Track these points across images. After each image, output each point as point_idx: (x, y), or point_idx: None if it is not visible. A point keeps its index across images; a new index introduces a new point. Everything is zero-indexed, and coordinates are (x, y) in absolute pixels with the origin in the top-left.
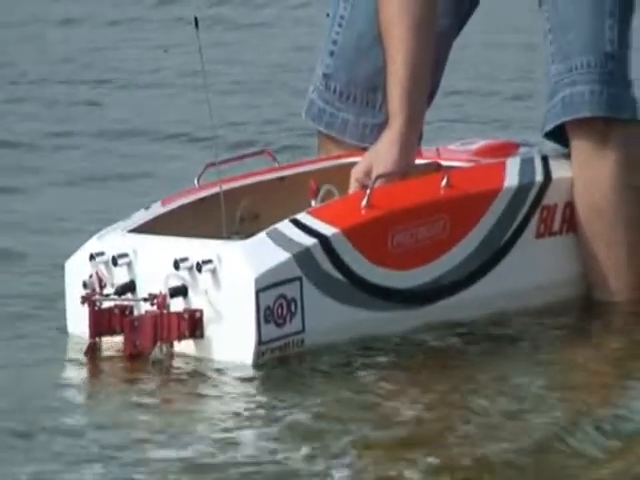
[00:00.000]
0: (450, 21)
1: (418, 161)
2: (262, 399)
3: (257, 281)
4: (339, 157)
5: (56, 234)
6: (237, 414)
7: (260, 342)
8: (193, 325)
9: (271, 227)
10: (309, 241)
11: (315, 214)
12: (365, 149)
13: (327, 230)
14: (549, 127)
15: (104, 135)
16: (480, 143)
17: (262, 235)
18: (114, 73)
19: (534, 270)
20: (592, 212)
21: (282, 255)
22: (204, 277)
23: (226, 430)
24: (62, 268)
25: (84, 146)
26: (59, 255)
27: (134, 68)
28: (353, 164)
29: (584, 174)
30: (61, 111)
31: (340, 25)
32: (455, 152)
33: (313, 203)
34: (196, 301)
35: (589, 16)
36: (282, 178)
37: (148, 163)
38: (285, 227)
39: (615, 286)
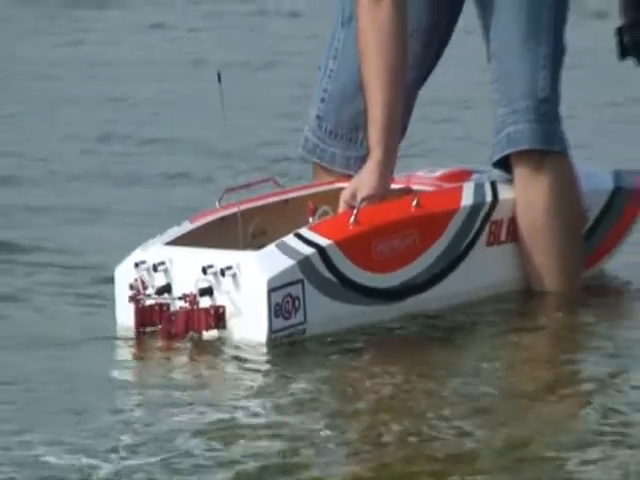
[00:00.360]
0: (416, 74)
1: (393, 186)
2: (272, 374)
3: (269, 283)
4: (330, 183)
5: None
6: (251, 386)
7: (271, 331)
8: (217, 318)
9: (279, 240)
10: (309, 251)
11: (314, 229)
12: (350, 176)
13: (323, 242)
14: (496, 157)
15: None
16: (441, 171)
17: (272, 246)
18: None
19: (486, 271)
20: (531, 227)
21: (288, 262)
22: (227, 280)
23: (245, 397)
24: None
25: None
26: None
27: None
28: (342, 189)
29: (524, 196)
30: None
31: (330, 77)
32: (422, 178)
33: (311, 220)
34: (220, 299)
35: (527, 70)
36: (286, 201)
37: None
38: (290, 240)
39: (549, 283)
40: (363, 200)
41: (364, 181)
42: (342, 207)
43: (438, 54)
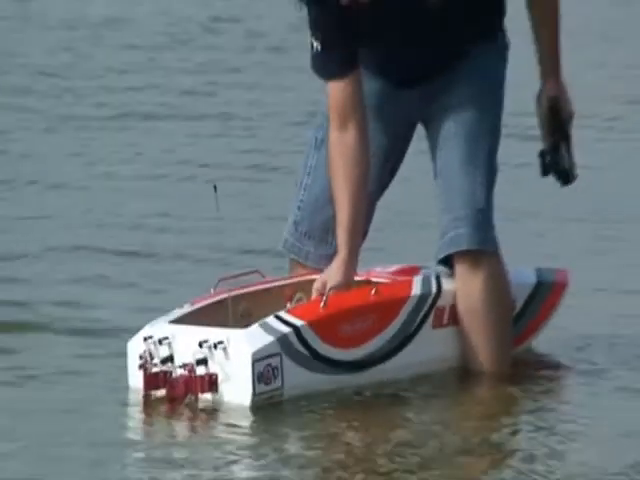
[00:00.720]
0: (375, 187)
1: (357, 278)
2: (256, 432)
3: (253, 355)
4: (305, 275)
5: None
6: (238, 441)
7: (254, 395)
8: (211, 384)
9: (262, 320)
10: (286, 330)
11: (290, 312)
12: (321, 270)
13: (298, 322)
14: (441, 256)
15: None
16: (396, 267)
17: (256, 326)
18: None
19: (432, 348)
20: (468, 314)
21: (269, 338)
22: (219, 352)
23: (230, 453)
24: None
25: None
26: None
27: None
28: (314, 280)
29: (463, 288)
30: None
31: (305, 190)
32: (379, 272)
33: (288, 305)
34: (213, 368)
35: (466, 186)
36: (268, 289)
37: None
38: (271, 320)
39: (484, 361)
40: (331, 289)
41: (332, 274)
42: (314, 294)
43: (393, 172)
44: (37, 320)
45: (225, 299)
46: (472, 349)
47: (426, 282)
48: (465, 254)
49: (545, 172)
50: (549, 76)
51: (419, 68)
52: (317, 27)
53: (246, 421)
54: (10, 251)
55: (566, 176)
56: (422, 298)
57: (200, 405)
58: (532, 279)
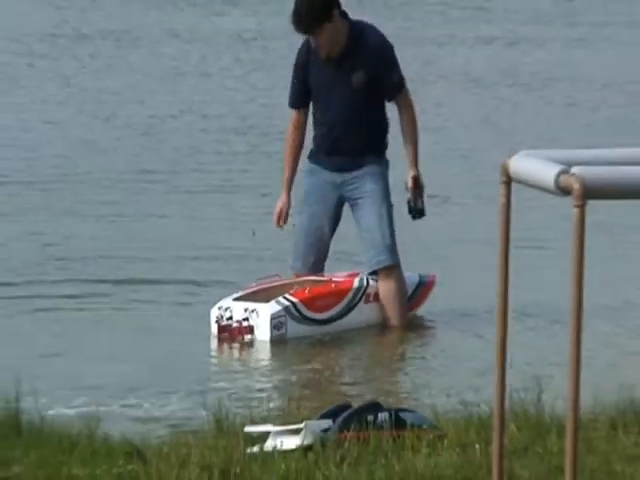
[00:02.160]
0: (326, 239)
1: (323, 278)
2: (271, 356)
3: (271, 315)
4: (299, 279)
5: None
6: (261, 359)
7: (271, 336)
8: (250, 330)
9: (276, 299)
10: (288, 303)
11: (291, 294)
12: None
13: (295, 299)
14: (371, 270)
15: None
16: (346, 272)
17: (273, 301)
18: None
19: (365, 314)
20: (385, 297)
21: (278, 307)
22: (254, 314)
23: (253, 367)
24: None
25: None
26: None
27: None
28: (302, 280)
29: (382, 284)
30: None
31: (297, 235)
32: (338, 275)
33: (290, 291)
34: (251, 322)
35: (379, 234)
36: (281, 285)
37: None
38: (280, 298)
39: (393, 320)
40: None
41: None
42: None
43: (334, 230)
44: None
45: (258, 289)
46: (386, 314)
47: (361, 280)
48: (385, 268)
49: (411, 212)
50: (412, 165)
51: (342, 162)
52: (294, 71)
53: (265, 351)
54: None
55: (421, 213)
56: (359, 287)
57: (245, 340)
58: (416, 279)
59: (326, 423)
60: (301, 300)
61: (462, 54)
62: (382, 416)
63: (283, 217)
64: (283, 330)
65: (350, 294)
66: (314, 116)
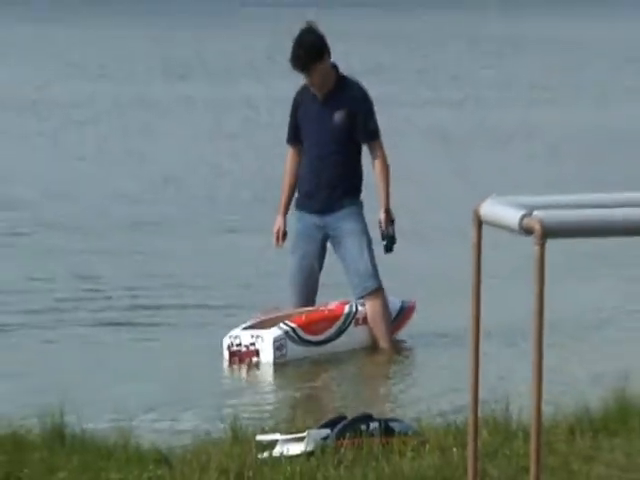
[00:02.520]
0: (316, 275)
1: (320, 307)
2: (274, 374)
3: (273, 339)
4: (294, 309)
5: None
6: (265, 378)
7: (274, 358)
8: (257, 354)
9: (277, 325)
10: (288, 328)
11: (290, 321)
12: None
13: (293, 325)
14: (359, 297)
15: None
16: (338, 301)
17: (275, 327)
18: None
19: (356, 337)
20: (372, 319)
21: (279, 332)
22: (259, 340)
23: (262, 383)
24: None
25: None
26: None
27: None
28: (300, 310)
29: (369, 307)
30: None
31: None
32: (330, 304)
33: (290, 318)
34: (257, 346)
35: (363, 264)
36: (281, 315)
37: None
38: (281, 325)
39: (380, 341)
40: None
41: (276, 222)
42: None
43: (321, 267)
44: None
45: (264, 319)
46: (375, 335)
47: (351, 306)
48: (371, 292)
49: (384, 239)
50: (383, 202)
51: (323, 204)
52: (291, 110)
53: (270, 372)
54: None
55: (392, 240)
56: (349, 313)
57: (253, 362)
58: (398, 304)
59: (325, 432)
60: (299, 325)
61: (436, 115)
62: (373, 425)
63: (281, 237)
64: (284, 351)
65: (342, 318)
66: (302, 160)
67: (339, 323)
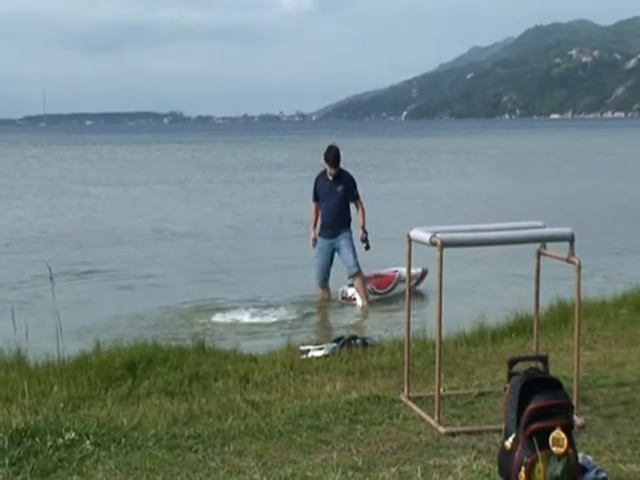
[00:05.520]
0: (329, 262)
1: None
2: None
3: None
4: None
5: None
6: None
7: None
8: (353, 299)
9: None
10: (369, 286)
11: (369, 282)
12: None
13: (371, 284)
14: (350, 277)
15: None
16: (393, 269)
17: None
18: None
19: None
20: (357, 289)
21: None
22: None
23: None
24: None
25: None
26: None
27: None
28: None
29: (355, 283)
30: None
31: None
32: (398, 271)
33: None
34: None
35: (351, 259)
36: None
37: None
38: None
39: (361, 300)
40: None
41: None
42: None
43: (331, 264)
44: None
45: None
46: (358, 296)
47: (401, 272)
48: (355, 274)
49: (364, 243)
50: (362, 226)
51: (332, 232)
52: (314, 185)
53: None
54: None
55: (369, 246)
56: (398, 277)
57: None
58: (420, 270)
59: (334, 345)
60: (373, 284)
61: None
62: (358, 341)
63: (313, 243)
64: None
65: (393, 281)
66: (320, 210)
67: (392, 284)
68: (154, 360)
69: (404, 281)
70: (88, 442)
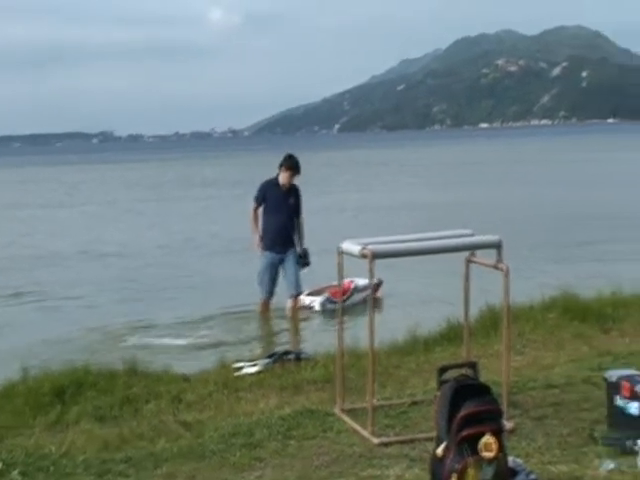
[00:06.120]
0: (276, 275)
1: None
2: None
3: (321, 302)
4: None
5: None
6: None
7: (321, 309)
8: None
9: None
10: (327, 295)
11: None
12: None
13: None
14: (291, 296)
15: None
16: (349, 279)
17: (321, 296)
18: None
19: (355, 300)
20: (290, 309)
21: (324, 298)
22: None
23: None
24: None
25: None
26: None
27: None
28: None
29: (290, 303)
30: None
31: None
32: (354, 281)
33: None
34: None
35: (295, 276)
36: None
37: None
38: (324, 294)
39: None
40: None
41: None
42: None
43: (277, 277)
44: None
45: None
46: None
47: (356, 283)
48: (297, 295)
49: (305, 264)
50: (301, 243)
51: (284, 248)
52: (261, 189)
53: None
54: None
55: (307, 263)
56: (354, 288)
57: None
58: (376, 280)
59: (267, 360)
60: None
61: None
62: (291, 356)
63: (257, 248)
64: (326, 307)
65: (349, 291)
66: (266, 219)
67: (348, 294)
68: (84, 384)
69: (360, 291)
70: (15, 472)
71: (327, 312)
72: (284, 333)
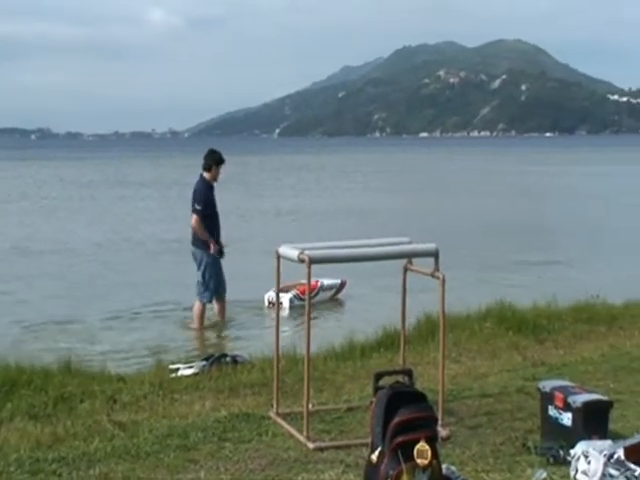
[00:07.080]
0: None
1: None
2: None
3: (289, 298)
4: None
5: None
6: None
7: (290, 306)
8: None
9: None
10: (295, 292)
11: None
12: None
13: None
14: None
15: None
16: (318, 280)
17: (289, 292)
18: None
19: (322, 298)
20: (219, 311)
21: (291, 294)
22: (283, 297)
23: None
24: None
25: None
26: None
27: None
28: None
29: (198, 307)
30: None
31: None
32: (319, 282)
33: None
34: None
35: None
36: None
37: None
38: (291, 291)
39: (221, 316)
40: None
41: None
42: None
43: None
44: None
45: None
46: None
47: (322, 282)
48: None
49: (221, 255)
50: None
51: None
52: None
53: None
54: None
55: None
56: (320, 286)
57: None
58: (338, 281)
59: (203, 363)
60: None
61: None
62: (228, 359)
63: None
64: (294, 303)
65: (316, 289)
66: (211, 223)
67: (314, 292)
68: (17, 382)
69: (326, 290)
70: None
71: (295, 308)
72: (221, 336)
